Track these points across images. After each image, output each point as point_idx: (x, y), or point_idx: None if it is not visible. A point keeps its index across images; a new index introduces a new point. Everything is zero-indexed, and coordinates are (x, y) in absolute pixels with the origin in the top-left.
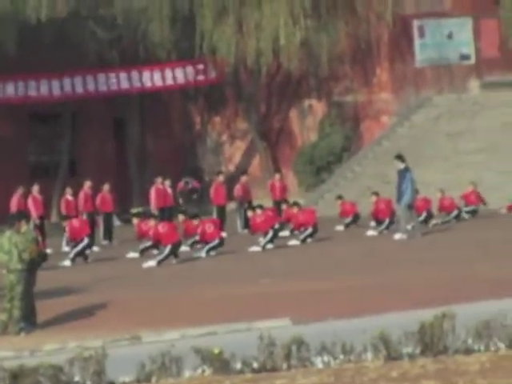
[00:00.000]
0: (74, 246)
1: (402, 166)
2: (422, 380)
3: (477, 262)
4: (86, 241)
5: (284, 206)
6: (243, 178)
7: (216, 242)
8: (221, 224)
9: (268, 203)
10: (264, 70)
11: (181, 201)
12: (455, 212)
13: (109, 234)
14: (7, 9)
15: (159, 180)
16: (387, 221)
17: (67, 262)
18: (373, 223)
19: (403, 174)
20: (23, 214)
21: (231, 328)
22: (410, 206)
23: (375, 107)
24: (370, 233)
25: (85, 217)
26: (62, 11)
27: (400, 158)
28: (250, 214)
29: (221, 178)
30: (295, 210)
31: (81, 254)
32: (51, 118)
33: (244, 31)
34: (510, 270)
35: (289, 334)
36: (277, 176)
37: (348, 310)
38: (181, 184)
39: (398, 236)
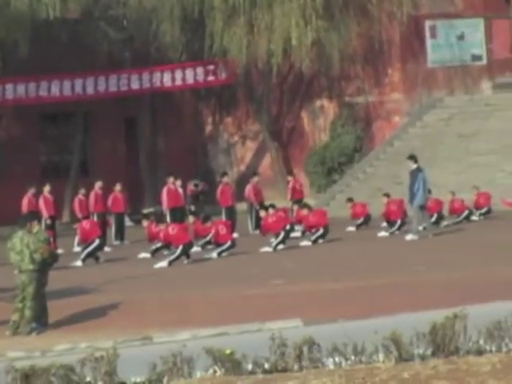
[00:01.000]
0: (86, 247)
1: (414, 166)
2: (433, 381)
3: (488, 262)
4: (96, 242)
5: (295, 207)
6: (254, 179)
7: (228, 244)
8: (232, 225)
9: (279, 204)
10: (275, 71)
11: (192, 205)
12: (466, 213)
13: (120, 234)
14: (21, 9)
15: (171, 180)
16: (399, 222)
17: (78, 263)
18: (384, 224)
19: (415, 174)
20: (35, 215)
21: (243, 329)
22: (423, 207)
23: (387, 108)
24: (382, 234)
25: (95, 217)
26: (75, 12)
27: (413, 158)
28: (262, 214)
29: (226, 179)
30: (305, 211)
31: (92, 254)
32: (62, 117)
33: (255, 32)
34: None
35: (300, 334)
36: (291, 178)
37: (359, 310)
38: (190, 186)
39: (409, 237)
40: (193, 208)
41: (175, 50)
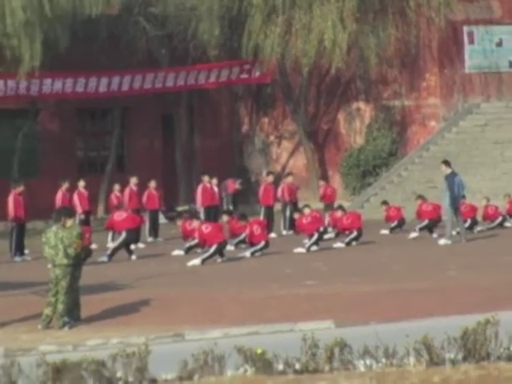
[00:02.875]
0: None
1: (448, 171)
2: None
3: None
4: (124, 235)
5: (327, 211)
6: (288, 179)
7: (262, 244)
8: (268, 225)
9: (314, 205)
10: (312, 72)
11: (231, 204)
12: (500, 219)
13: (154, 231)
14: (63, 5)
15: (206, 178)
16: (426, 221)
17: (104, 258)
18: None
19: (452, 178)
20: (68, 210)
21: (274, 328)
22: (457, 211)
23: (423, 112)
24: (413, 235)
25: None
26: (115, 8)
27: (446, 163)
28: (297, 215)
29: (270, 178)
30: (339, 213)
31: (118, 249)
32: (100, 113)
33: (293, 32)
34: None
35: (332, 336)
36: (323, 182)
37: (391, 313)
38: (233, 185)
39: (442, 241)
40: (231, 207)
41: (213, 48)
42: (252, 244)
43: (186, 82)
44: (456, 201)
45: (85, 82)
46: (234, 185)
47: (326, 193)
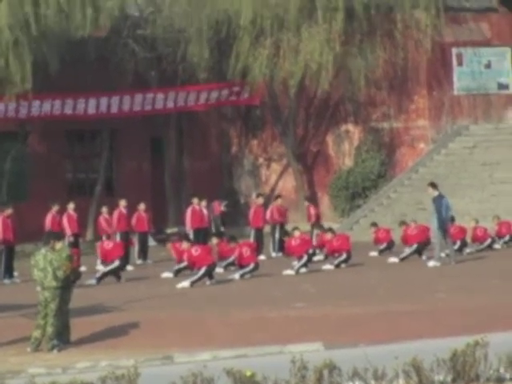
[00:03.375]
0: (105, 267)
1: (436, 193)
2: None
3: (509, 290)
4: (116, 263)
5: (318, 232)
6: (277, 201)
7: (251, 266)
8: (258, 247)
9: (303, 227)
10: (301, 94)
11: (221, 226)
12: (489, 241)
13: (143, 253)
14: (52, 27)
15: (195, 201)
16: (415, 246)
17: (92, 281)
18: (407, 249)
19: (439, 200)
20: (58, 233)
21: (263, 351)
22: (445, 233)
23: (412, 134)
24: (392, 260)
25: (118, 236)
26: (104, 30)
27: (433, 185)
28: (286, 237)
29: (260, 200)
30: (329, 235)
31: (108, 275)
32: (89, 135)
33: (281, 54)
34: None
35: (321, 358)
36: (307, 203)
37: (380, 335)
38: (219, 207)
39: (431, 263)
40: (222, 228)
41: (202, 70)
42: (241, 266)
43: (175, 104)
44: (444, 223)
45: (73, 104)
46: (219, 207)
47: (310, 212)
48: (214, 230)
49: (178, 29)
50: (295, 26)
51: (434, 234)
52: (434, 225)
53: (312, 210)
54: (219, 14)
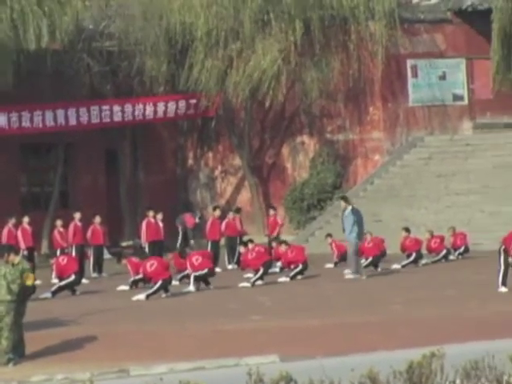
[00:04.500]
0: (60, 281)
1: (349, 207)
2: None
3: (464, 301)
4: (72, 278)
5: (274, 244)
6: (233, 214)
7: (205, 271)
8: (214, 259)
9: (258, 239)
10: (256, 106)
11: (191, 240)
12: (444, 252)
13: (98, 266)
14: (6, 39)
15: (151, 214)
16: (370, 259)
17: (47, 294)
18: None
19: (357, 213)
20: (11, 246)
21: (220, 363)
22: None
23: (367, 146)
24: (348, 275)
25: (74, 249)
26: (60, 43)
27: (345, 199)
28: (241, 249)
29: (217, 212)
30: (283, 247)
31: (64, 289)
32: (44, 149)
33: (236, 66)
34: (496, 311)
35: (277, 370)
36: (271, 212)
37: (336, 347)
38: (192, 219)
39: (349, 275)
40: (192, 241)
41: (158, 82)
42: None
43: (133, 116)
44: (353, 236)
45: (30, 117)
46: (193, 219)
47: (275, 223)
48: (180, 242)
49: (134, 42)
50: (250, 37)
51: (351, 246)
52: (351, 237)
53: (278, 221)
54: (175, 27)
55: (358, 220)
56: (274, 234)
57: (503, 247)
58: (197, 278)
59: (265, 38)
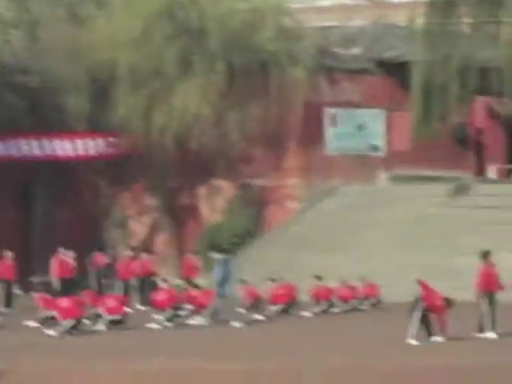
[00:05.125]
0: None
1: (221, 256)
2: None
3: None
4: None
5: (185, 286)
6: (145, 255)
7: (118, 317)
8: (125, 299)
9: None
10: (175, 147)
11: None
12: (354, 302)
13: (8, 301)
14: None
15: (62, 250)
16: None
17: None
18: (273, 307)
19: (231, 262)
20: None
21: None
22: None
23: (283, 192)
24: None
25: None
26: None
27: (219, 249)
28: (162, 285)
29: (130, 252)
30: (195, 291)
31: None
32: None
33: (157, 106)
34: (400, 363)
35: None
36: (188, 255)
37: None
38: (103, 259)
39: (199, 321)
40: (103, 281)
41: (78, 119)
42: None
43: (51, 152)
44: (223, 285)
45: None
46: (103, 258)
47: (193, 266)
48: (93, 282)
49: (56, 78)
50: (172, 77)
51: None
52: (228, 288)
53: (197, 264)
54: (97, 64)
55: (232, 270)
56: (193, 276)
57: (421, 297)
58: (109, 323)
59: (188, 79)
